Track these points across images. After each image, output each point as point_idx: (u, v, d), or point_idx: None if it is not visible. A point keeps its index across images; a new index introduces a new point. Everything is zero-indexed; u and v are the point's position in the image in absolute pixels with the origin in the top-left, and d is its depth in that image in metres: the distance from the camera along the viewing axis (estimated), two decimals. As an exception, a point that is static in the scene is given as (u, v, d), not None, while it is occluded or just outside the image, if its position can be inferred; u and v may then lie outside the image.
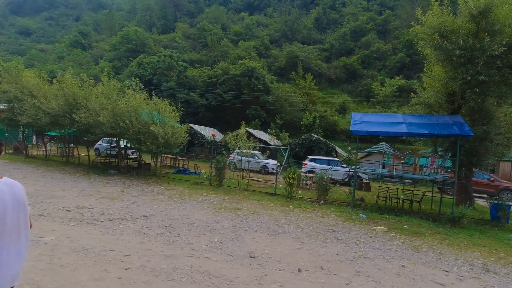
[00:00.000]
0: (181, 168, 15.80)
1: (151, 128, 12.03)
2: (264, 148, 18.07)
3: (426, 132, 9.28)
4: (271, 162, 19.66)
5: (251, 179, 13.55)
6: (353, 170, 14.34)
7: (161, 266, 4.76)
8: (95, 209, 8.06)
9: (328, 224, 8.66)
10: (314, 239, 7.28)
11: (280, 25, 59.49)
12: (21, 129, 21.59)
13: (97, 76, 24.92)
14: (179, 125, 13.84)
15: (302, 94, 38.04)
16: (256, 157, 20.00)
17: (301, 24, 60.20)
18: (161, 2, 71.92)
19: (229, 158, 21.01)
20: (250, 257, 5.80)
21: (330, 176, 10.80)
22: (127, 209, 8.31)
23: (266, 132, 29.27)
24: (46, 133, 18.83)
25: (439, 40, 9.17)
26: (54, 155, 18.92)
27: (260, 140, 24.55)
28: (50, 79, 15.96)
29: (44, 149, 18.54)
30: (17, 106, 14.85)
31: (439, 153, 11.34)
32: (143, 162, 15.69)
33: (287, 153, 14.25)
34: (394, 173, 9.90)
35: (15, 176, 11.57)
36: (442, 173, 9.84)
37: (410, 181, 18.06)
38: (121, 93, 13.92)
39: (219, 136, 29.20)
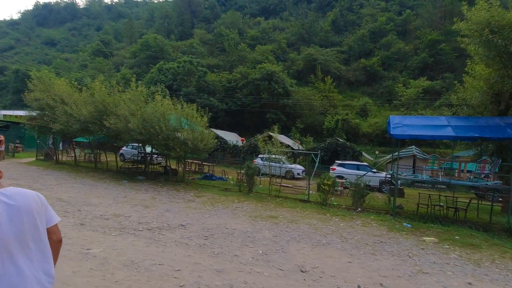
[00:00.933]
0: (207, 174, 15.62)
1: (179, 133, 11.91)
2: (295, 153, 17.61)
3: (476, 135, 8.63)
4: (297, 167, 19.22)
5: (278, 185, 13.16)
6: (388, 176, 13.72)
7: (215, 283, 4.47)
8: (132, 217, 7.92)
9: (372, 234, 8.15)
10: (363, 251, 6.82)
11: (297, 28, 59.14)
12: (51, 135, 22.25)
13: (118, 82, 25.24)
14: (206, 131, 13.67)
15: (322, 98, 37.41)
16: (282, 162, 19.63)
17: (318, 27, 59.62)
18: (178, 10, 73.26)
19: (253, 163, 20.80)
20: (301, 271, 5.43)
21: (367, 182, 10.27)
22: (163, 218, 8.13)
23: (287, 136, 28.81)
24: (74, 140, 19.19)
25: (490, 36, 8.53)
26: (81, 161, 19.24)
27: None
28: (80, 87, 16.25)
29: (72, 155, 18.90)
30: (49, 113, 15.17)
31: (486, 158, 10.58)
32: (169, 168, 15.64)
33: (318, 158, 13.78)
34: (440, 179, 9.25)
35: (49, 183, 11.73)
36: (493, 179, 9.12)
37: (444, 186, 17.16)
38: (149, 99, 13.94)
39: (235, 140, 29.01)
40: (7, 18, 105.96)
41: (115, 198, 10.02)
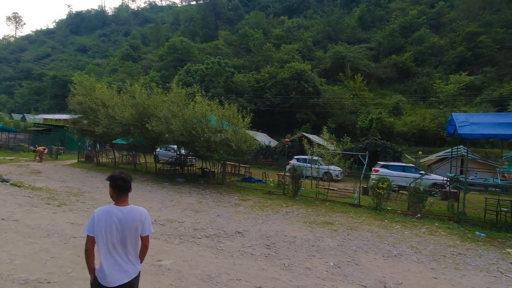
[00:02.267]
0: (246, 176, 15.29)
1: (221, 135, 11.62)
2: (345, 154, 16.80)
3: None
4: (335, 169, 18.44)
5: (325, 188, 12.54)
6: (446, 179, 12.66)
7: (305, 302, 4.01)
8: (185, 223, 7.67)
9: (445, 244, 7.38)
10: (443, 264, 6.12)
11: (322, 26, 57.81)
12: (89, 138, 22.91)
13: (147, 85, 25.55)
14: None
15: (352, 96, 36.12)
16: (319, 163, 18.97)
17: (344, 24, 57.94)
18: (202, 12, 74.14)
19: (289, 164, 20.26)
20: (386, 288, 4.87)
21: (426, 185, 9.42)
22: (217, 224, 7.82)
23: (319, 137, 27.99)
24: (113, 142, 19.56)
25: None
26: (119, 162, 19.58)
27: (318, 145, 23.40)
28: (118, 89, 16.49)
29: (111, 157, 19.29)
30: (92, 116, 15.49)
31: None
32: (207, 170, 15.46)
33: (366, 160, 13.03)
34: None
35: (96, 185, 11.85)
36: None
37: (498, 189, 15.71)
38: (190, 101, 13.82)
39: (267, 140, 28.54)
40: (44, 28, 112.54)
41: (163, 201, 9.88)
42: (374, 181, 14.30)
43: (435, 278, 5.49)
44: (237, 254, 5.81)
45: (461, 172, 17.91)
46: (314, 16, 68.37)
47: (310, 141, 23.66)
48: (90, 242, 2.34)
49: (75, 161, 19.68)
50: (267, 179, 15.26)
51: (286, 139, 15.12)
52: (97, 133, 15.26)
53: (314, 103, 33.45)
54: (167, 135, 12.97)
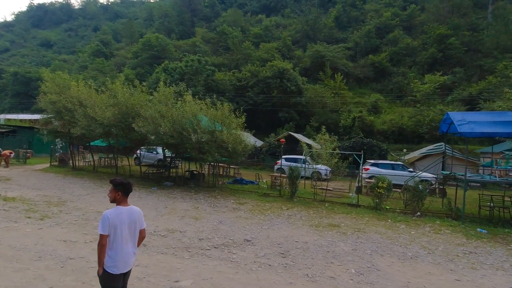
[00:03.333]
0: (237, 178, 14.75)
1: (216, 135, 11.03)
2: (343, 154, 16.63)
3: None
4: (324, 168, 18.40)
5: (322, 188, 12.36)
6: (436, 176, 12.94)
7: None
8: (188, 232, 7.07)
9: (453, 243, 7.40)
10: (460, 264, 6.08)
11: (301, 25, 58.23)
12: (60, 140, 21.18)
13: (128, 83, 24.32)
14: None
15: (333, 95, 36.59)
16: (307, 163, 18.84)
17: (321, 24, 58.76)
18: (178, 8, 71.95)
19: (277, 164, 19.94)
20: (419, 296, 4.66)
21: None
22: (221, 232, 7.29)
23: (302, 135, 27.98)
24: (90, 143, 18.19)
25: None
26: (97, 165, 18.20)
27: (307, 144, 23.31)
28: (97, 88, 15.28)
29: (88, 160, 17.94)
30: (68, 117, 14.18)
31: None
32: (196, 172, 14.77)
33: (362, 159, 12.98)
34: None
35: (78, 193, 10.80)
36: None
37: (478, 184, 16.43)
38: (177, 100, 13.04)
39: (253, 140, 28.04)
40: (1, 20, 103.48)
41: (156, 208, 9.15)
42: (367, 180, 14.39)
43: (458, 280, 5.39)
44: (255, 266, 5.35)
45: (443, 169, 18.59)
46: (292, 15, 68.75)
47: (297, 141, 23.50)
48: (105, 239, 2.82)
49: (47, 165, 18.06)
50: (260, 180, 14.83)
51: (282, 139, 14.75)
52: (74, 135, 14.00)
53: (296, 102, 33.45)
54: (153, 137, 12.11)
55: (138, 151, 20.46)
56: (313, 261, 5.84)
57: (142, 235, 3.16)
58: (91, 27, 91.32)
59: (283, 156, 20.19)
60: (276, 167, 19.83)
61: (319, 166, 18.28)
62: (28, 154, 19.79)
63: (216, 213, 9.14)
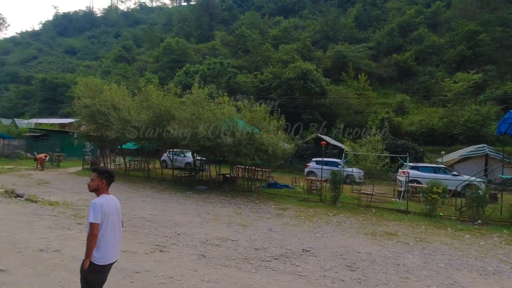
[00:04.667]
0: (272, 182, 14.29)
1: (256, 138, 10.63)
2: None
3: None
4: (357, 171, 17.64)
5: (366, 193, 11.72)
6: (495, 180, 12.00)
7: None
8: (240, 241, 6.68)
9: (535, 257, 6.62)
10: (555, 283, 5.33)
11: (320, 25, 57.43)
12: (89, 143, 21.47)
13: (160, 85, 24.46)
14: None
15: (357, 96, 35.60)
16: (340, 166, 18.15)
17: (341, 24, 57.74)
18: (196, 13, 72.80)
19: (307, 167, 19.35)
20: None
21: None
22: (275, 240, 6.86)
23: (329, 137, 27.24)
24: (120, 147, 18.25)
25: None
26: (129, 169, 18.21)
27: (336, 147, 22.64)
28: (130, 91, 15.29)
29: (118, 163, 18.02)
30: (102, 120, 14.22)
31: None
32: (229, 176, 14.44)
33: (407, 162, 12.25)
34: None
35: (118, 196, 10.64)
36: None
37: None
38: (211, 102, 12.79)
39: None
40: (29, 29, 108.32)
41: (199, 214, 8.83)
42: (409, 185, 13.54)
43: None
44: (327, 281, 4.87)
45: (486, 172, 17.38)
46: (310, 16, 68.07)
47: (327, 143, 22.79)
48: (98, 229, 2.72)
49: (79, 168, 18.29)
50: (296, 184, 14.31)
51: (323, 142, 14.15)
52: (108, 138, 14.01)
53: (319, 103, 32.70)
54: (188, 139, 11.86)
55: (165, 154, 20.50)
56: (386, 275, 5.29)
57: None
58: (112, 33, 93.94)
59: (313, 159, 19.61)
60: (306, 170, 19.26)
61: (352, 169, 17.55)
62: (60, 157, 20.16)
63: (261, 219, 8.72)
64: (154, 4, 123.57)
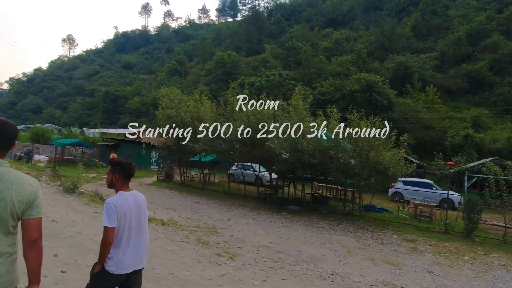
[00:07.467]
0: (369, 205, 12.71)
1: (369, 156, 9.29)
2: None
3: None
4: (456, 195, 15.37)
5: (494, 224, 9.69)
6: None
7: None
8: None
9: None
10: None
11: (375, 36, 55.04)
12: (158, 154, 21.61)
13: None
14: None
15: (426, 110, 32.64)
16: (434, 188, 16.01)
17: (397, 34, 54.78)
18: (245, 27, 74.42)
19: (393, 187, 17.42)
20: None
21: None
22: (453, 289, 5.35)
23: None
24: (191, 159, 17.93)
25: None
26: (192, 182, 17.68)
27: (419, 166, 20.40)
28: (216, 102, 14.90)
29: (190, 175, 17.67)
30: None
31: None
32: (317, 195, 13.15)
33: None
34: None
35: (217, 217, 9.92)
36: None
37: None
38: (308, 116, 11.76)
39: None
40: (93, 47, 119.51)
41: (325, 244, 7.62)
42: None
43: None
44: None
45: None
46: (362, 27, 65.88)
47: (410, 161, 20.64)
48: (113, 234, 2.30)
49: (153, 178, 18.31)
50: (402, 209, 12.57)
51: (450, 162, 12.40)
52: (198, 150, 13.60)
53: (386, 117, 30.38)
54: (286, 155, 10.86)
55: (234, 167, 19.85)
56: None
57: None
58: (164, 49, 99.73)
59: (401, 179, 17.61)
60: (391, 191, 17.33)
61: (447, 192, 15.27)
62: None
63: (401, 255, 7.27)
64: (202, 21, 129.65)
